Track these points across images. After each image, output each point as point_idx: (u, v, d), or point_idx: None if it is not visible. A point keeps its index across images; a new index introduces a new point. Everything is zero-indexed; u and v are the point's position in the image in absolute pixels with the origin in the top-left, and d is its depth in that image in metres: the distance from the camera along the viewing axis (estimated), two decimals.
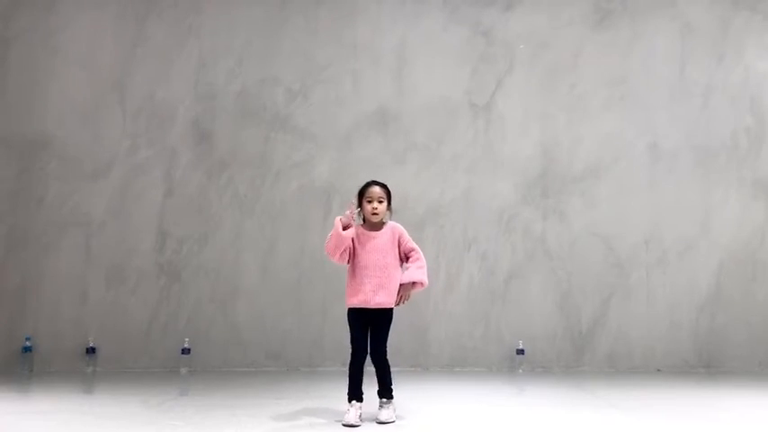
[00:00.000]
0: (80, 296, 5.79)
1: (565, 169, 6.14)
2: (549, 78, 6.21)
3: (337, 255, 3.88)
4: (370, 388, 3.95)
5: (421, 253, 3.98)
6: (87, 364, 5.65)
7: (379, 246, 3.91)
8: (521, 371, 5.80)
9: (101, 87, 5.98)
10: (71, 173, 5.88)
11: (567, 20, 6.26)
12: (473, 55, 6.20)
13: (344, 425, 3.77)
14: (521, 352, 5.84)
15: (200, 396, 4.71)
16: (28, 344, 5.60)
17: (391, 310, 3.92)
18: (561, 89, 6.20)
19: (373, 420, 3.87)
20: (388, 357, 3.93)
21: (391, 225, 4.00)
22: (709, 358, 6.01)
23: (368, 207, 3.92)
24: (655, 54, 6.26)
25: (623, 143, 6.18)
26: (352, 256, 3.93)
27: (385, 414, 3.88)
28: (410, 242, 3.99)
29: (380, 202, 3.92)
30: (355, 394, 3.87)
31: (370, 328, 3.91)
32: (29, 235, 5.80)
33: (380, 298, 3.86)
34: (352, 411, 3.81)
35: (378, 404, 3.93)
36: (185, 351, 5.68)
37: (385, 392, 3.93)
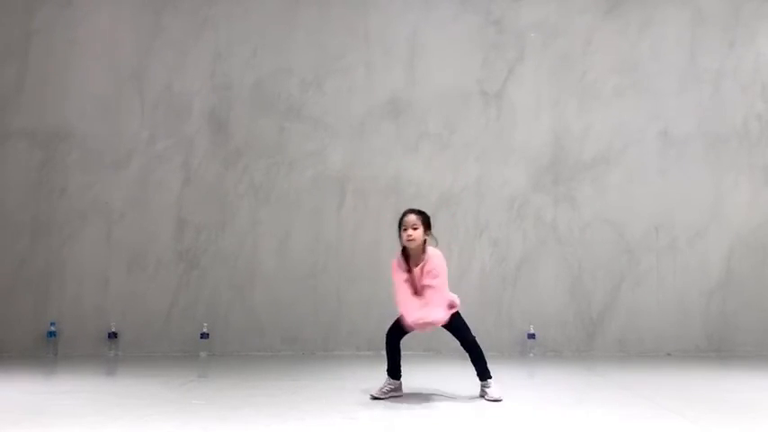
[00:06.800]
0: (102, 283, 5.96)
1: (576, 156, 6.20)
2: (560, 66, 6.26)
3: None
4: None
5: (437, 285, 3.96)
6: (109, 348, 5.82)
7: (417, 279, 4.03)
8: (532, 355, 5.90)
9: (119, 79, 6.13)
10: (92, 163, 6.04)
11: (578, 7, 6.30)
12: (484, 43, 6.27)
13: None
14: (532, 336, 5.94)
15: (219, 378, 4.86)
16: (52, 329, 5.79)
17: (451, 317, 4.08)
18: (572, 77, 6.26)
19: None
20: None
21: (429, 255, 4.04)
22: (720, 343, 6.06)
23: (404, 235, 4.01)
24: (665, 41, 6.29)
25: (634, 130, 6.22)
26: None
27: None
28: (430, 275, 3.98)
29: (414, 228, 3.98)
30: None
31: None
32: (52, 224, 5.98)
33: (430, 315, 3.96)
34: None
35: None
36: (204, 336, 5.84)
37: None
